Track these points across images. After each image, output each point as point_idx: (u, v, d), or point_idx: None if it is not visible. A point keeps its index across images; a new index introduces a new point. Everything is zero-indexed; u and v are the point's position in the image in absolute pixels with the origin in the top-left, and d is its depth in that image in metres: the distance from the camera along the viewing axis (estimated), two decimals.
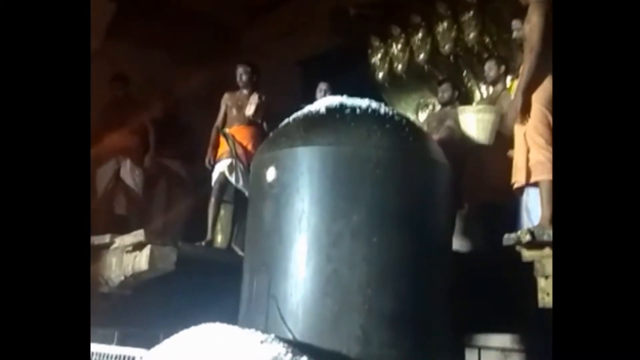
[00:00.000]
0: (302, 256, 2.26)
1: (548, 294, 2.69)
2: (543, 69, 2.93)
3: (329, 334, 2.16)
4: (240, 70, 4.38)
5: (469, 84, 4.86)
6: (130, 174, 4.87)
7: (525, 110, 2.92)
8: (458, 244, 3.78)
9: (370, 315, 2.17)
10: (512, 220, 3.51)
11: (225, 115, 4.40)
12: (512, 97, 3.09)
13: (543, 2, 2.98)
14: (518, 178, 2.98)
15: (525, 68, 2.94)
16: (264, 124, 4.33)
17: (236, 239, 4.20)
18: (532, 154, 2.90)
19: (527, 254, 2.77)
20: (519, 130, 2.98)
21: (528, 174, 2.91)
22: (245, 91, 4.38)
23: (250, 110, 4.26)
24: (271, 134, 2.76)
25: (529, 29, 2.97)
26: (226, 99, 4.42)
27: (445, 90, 4.35)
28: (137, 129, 4.96)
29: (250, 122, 4.30)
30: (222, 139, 4.32)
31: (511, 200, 3.49)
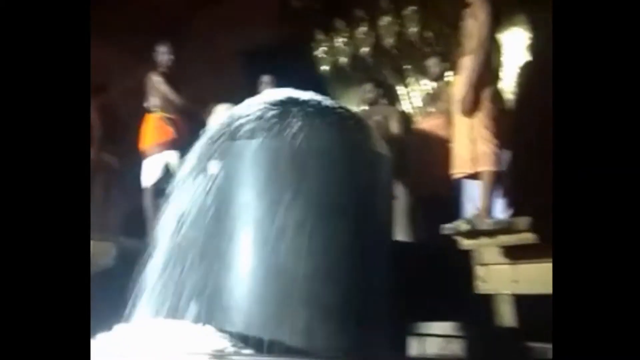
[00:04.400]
0: (245, 249, 2.25)
1: (484, 282, 2.81)
2: (488, 63, 3.04)
3: (273, 327, 2.16)
4: (163, 49, 4.21)
5: (411, 78, 4.96)
6: None
7: (473, 104, 3.01)
8: (399, 234, 3.86)
9: (314, 308, 2.18)
10: (453, 209, 3.61)
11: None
12: (457, 91, 3.17)
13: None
14: (462, 168, 3.07)
15: (476, 63, 3.02)
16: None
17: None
18: (478, 146, 2.99)
19: (465, 243, 2.87)
20: (463, 123, 3.07)
21: (474, 164, 3.01)
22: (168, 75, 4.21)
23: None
24: (214, 127, 2.73)
25: (479, 25, 3.05)
26: (159, 81, 4.20)
27: (369, 91, 4.44)
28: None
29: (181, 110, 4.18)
30: (153, 125, 4.15)
31: (452, 191, 3.59)
